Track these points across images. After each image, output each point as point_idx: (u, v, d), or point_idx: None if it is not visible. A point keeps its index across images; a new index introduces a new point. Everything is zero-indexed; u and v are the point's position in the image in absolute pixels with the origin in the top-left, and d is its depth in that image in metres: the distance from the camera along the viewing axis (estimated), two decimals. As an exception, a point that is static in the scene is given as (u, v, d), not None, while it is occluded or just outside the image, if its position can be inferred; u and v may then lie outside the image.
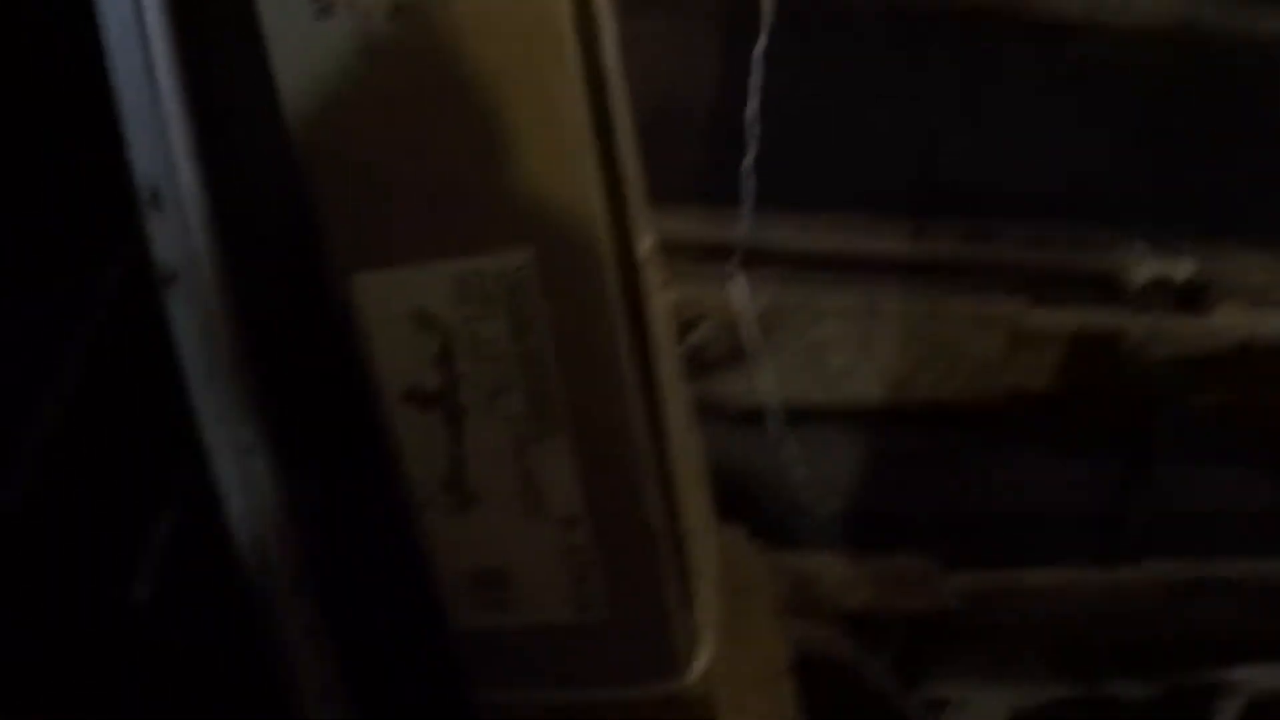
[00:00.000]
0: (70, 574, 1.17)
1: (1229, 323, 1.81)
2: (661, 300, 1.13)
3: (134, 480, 1.36)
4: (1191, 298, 1.81)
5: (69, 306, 1.27)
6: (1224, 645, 2.17)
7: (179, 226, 0.96)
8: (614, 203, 1.00)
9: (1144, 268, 1.76)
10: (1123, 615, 2.08)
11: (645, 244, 1.06)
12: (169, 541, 1.40)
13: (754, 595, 1.77)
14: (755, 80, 1.54)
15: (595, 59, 0.96)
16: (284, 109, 0.94)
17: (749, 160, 1.59)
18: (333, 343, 1.03)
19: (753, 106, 1.55)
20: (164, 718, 1.32)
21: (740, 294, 1.66)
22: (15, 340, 1.08)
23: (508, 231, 0.98)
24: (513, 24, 0.91)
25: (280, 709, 1.21)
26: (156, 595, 1.36)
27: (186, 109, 0.94)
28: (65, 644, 1.17)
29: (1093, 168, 1.71)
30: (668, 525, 1.14)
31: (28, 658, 1.04)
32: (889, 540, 1.98)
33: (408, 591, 1.17)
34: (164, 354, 1.27)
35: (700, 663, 1.25)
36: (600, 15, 0.95)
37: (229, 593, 1.32)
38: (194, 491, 1.38)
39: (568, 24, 0.92)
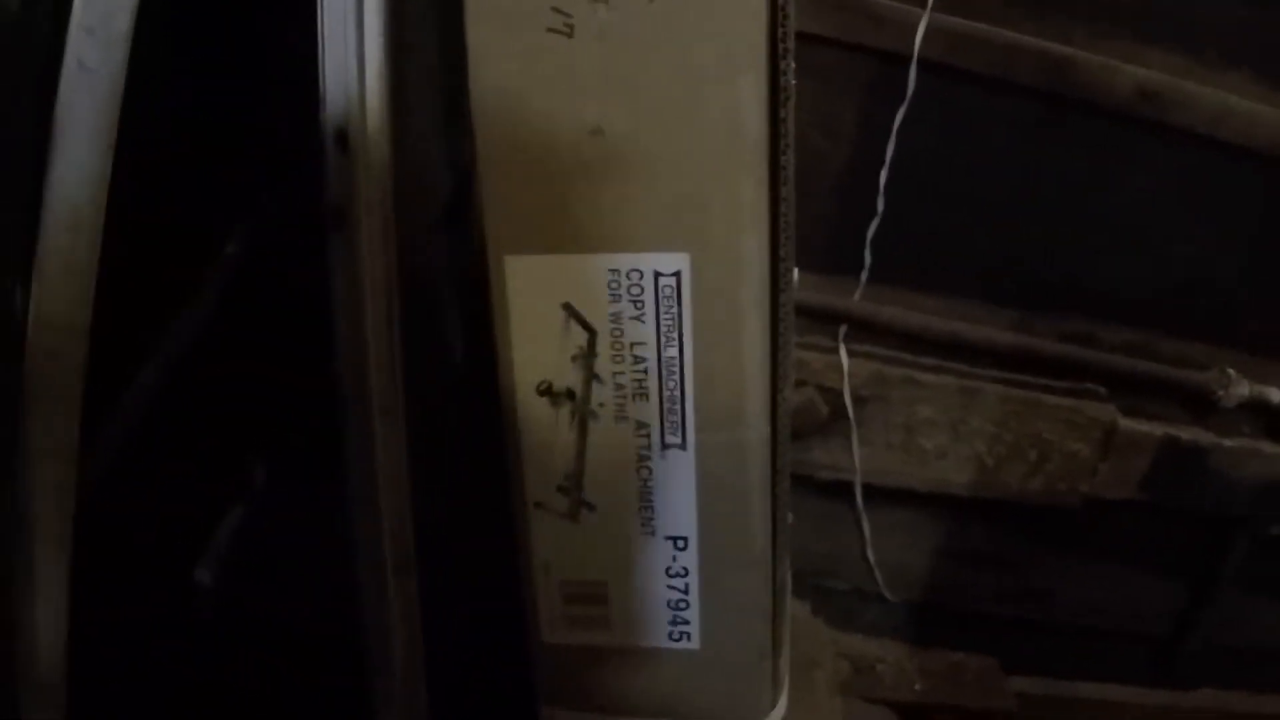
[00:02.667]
0: (139, 553, 1.16)
1: (1317, 454, 1.80)
2: (792, 338, 1.12)
3: (208, 467, 1.36)
4: (1279, 425, 1.80)
5: (187, 283, 1.28)
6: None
7: (360, 169, 0.95)
8: (774, 228, 0.99)
9: (1236, 390, 1.76)
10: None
11: (794, 277, 1.06)
12: (236, 531, 1.40)
13: (815, 670, 1.76)
14: (890, 152, 1.55)
15: (778, 79, 0.95)
16: (470, 75, 0.95)
17: (872, 231, 1.59)
18: (478, 322, 1.02)
19: (883, 178, 1.55)
20: (224, 696, 1.31)
21: (844, 365, 1.66)
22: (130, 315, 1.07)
23: (670, 235, 0.97)
24: (712, 29, 0.92)
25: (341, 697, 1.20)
26: (219, 580, 1.36)
27: (388, 56, 0.94)
28: (131, 621, 1.16)
29: (1200, 284, 1.72)
30: (771, 562, 1.13)
31: (97, 632, 1.02)
32: (952, 634, 1.97)
33: (500, 595, 1.15)
34: (258, 343, 1.28)
35: (777, 714, 1.23)
36: (790, 38, 0.95)
37: (295, 581, 1.32)
38: (264, 487, 1.39)
39: (764, 35, 0.93)
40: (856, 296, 1.71)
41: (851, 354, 1.72)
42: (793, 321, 1.07)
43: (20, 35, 0.78)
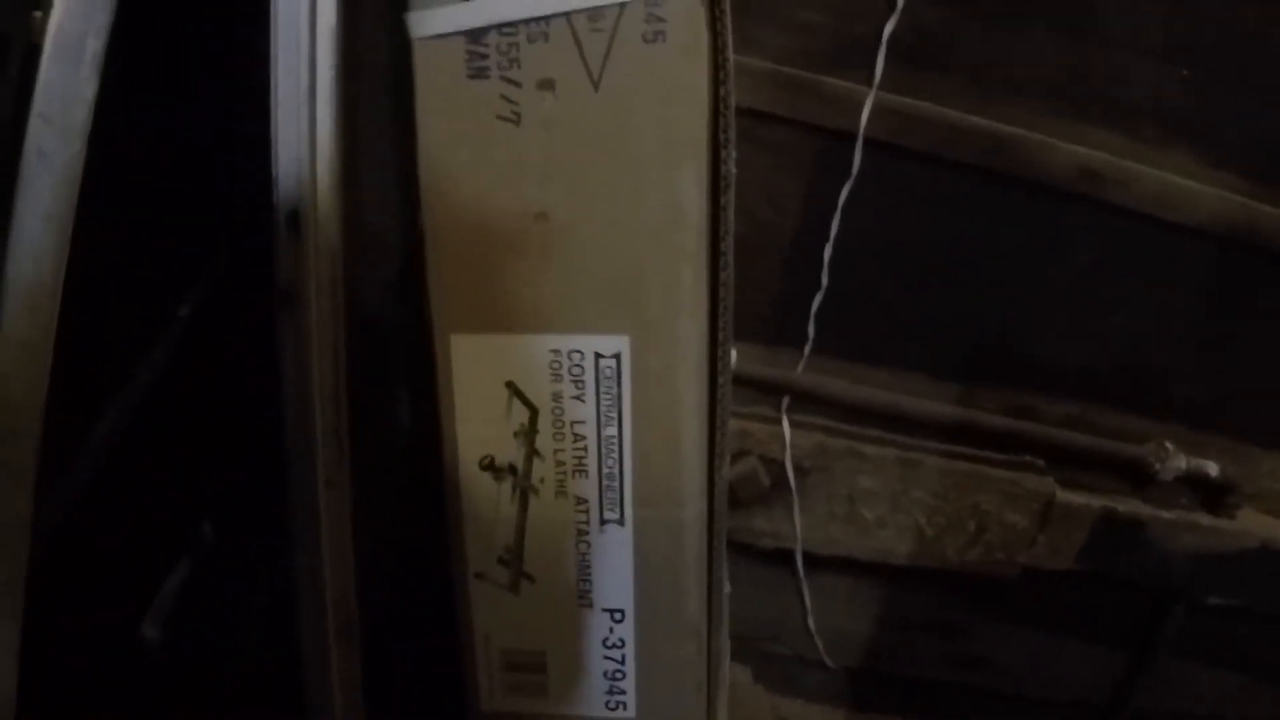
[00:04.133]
0: (88, 604, 1.17)
1: (1250, 526, 1.83)
2: (729, 418, 1.14)
3: (155, 523, 1.37)
4: (1216, 498, 1.83)
5: (138, 356, 1.30)
6: None
7: (310, 250, 0.98)
8: (713, 310, 1.02)
9: (1174, 463, 1.79)
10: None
11: (731, 358, 1.08)
12: (182, 587, 1.41)
13: (755, 736, 1.77)
14: (834, 227, 1.57)
15: (719, 167, 0.98)
16: (419, 159, 0.98)
17: (816, 304, 1.62)
18: (420, 398, 1.05)
19: (828, 252, 1.58)
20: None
21: (786, 435, 1.68)
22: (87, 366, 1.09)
23: (611, 317, 1.00)
24: (655, 119, 0.95)
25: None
26: (165, 636, 1.37)
27: (338, 140, 0.97)
28: (75, 671, 1.17)
29: (1138, 358, 1.75)
30: (705, 635, 1.15)
31: (42, 680, 1.04)
32: (891, 701, 1.98)
33: (440, 663, 1.17)
34: (205, 398, 1.29)
35: (712, 782, 1.25)
36: (730, 128, 0.98)
37: (240, 639, 1.34)
38: (211, 544, 1.41)
39: (705, 126, 0.95)
40: (800, 368, 1.73)
41: (794, 425, 1.73)
42: (730, 401, 1.09)
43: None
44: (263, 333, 1.07)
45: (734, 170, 1.00)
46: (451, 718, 1.19)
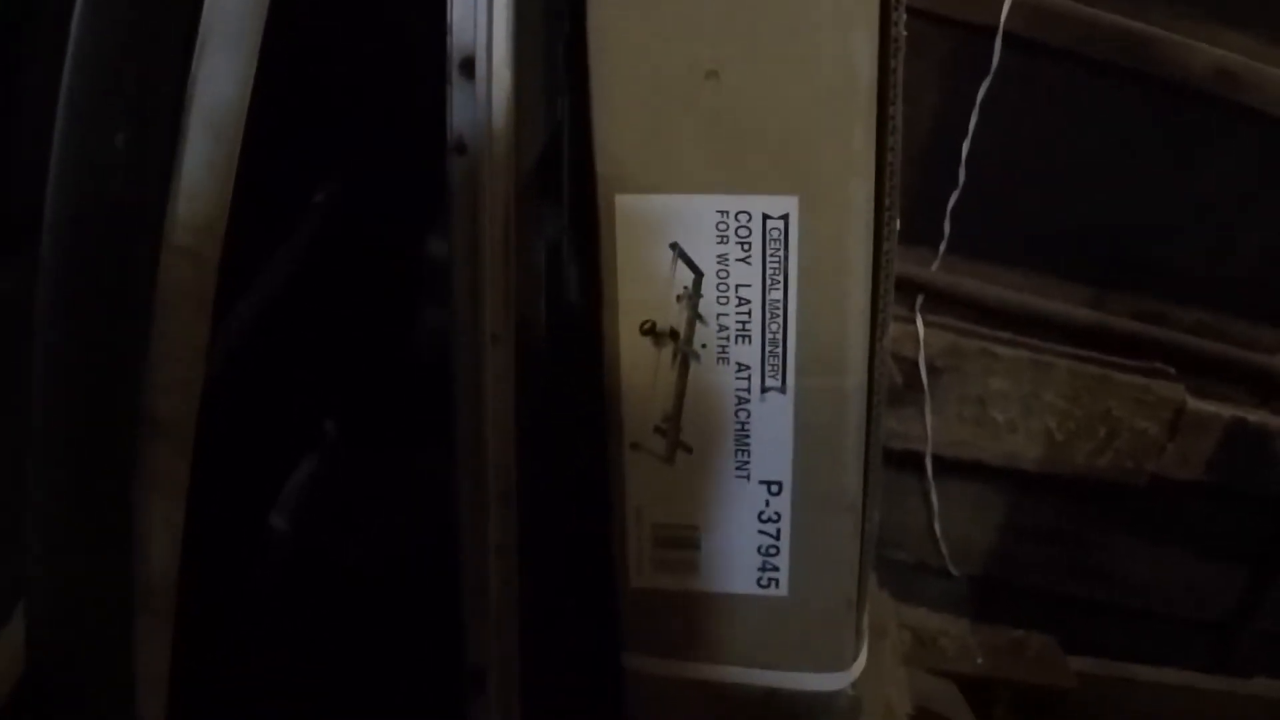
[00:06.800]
0: (216, 494, 1.18)
1: (1384, 442, 1.80)
2: (892, 287, 1.13)
3: (283, 414, 1.38)
4: (1348, 414, 1.80)
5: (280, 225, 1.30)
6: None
7: (484, 98, 0.97)
8: (880, 176, 1.01)
9: (1305, 374, 1.76)
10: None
11: (896, 226, 1.07)
12: (309, 481, 1.42)
13: (883, 639, 1.76)
14: (972, 124, 1.56)
15: (889, 28, 0.97)
16: (589, 14, 0.97)
17: (953, 202, 1.60)
18: (585, 258, 1.04)
19: (965, 149, 1.56)
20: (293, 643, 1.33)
21: (920, 334, 1.67)
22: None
23: (780, 178, 0.99)
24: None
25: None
26: (294, 527, 1.38)
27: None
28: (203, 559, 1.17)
29: (1271, 267, 1.72)
30: (861, 511, 1.14)
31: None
32: (1013, 611, 1.97)
33: (591, 535, 1.16)
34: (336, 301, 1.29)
35: (858, 666, 1.23)
36: (901, -14, 0.97)
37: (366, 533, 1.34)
38: (337, 439, 1.41)
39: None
40: (934, 267, 1.72)
41: (927, 324, 1.73)
42: (894, 271, 1.08)
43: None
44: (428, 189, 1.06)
45: (904, 33, 0.98)
46: (600, 592, 1.19)
